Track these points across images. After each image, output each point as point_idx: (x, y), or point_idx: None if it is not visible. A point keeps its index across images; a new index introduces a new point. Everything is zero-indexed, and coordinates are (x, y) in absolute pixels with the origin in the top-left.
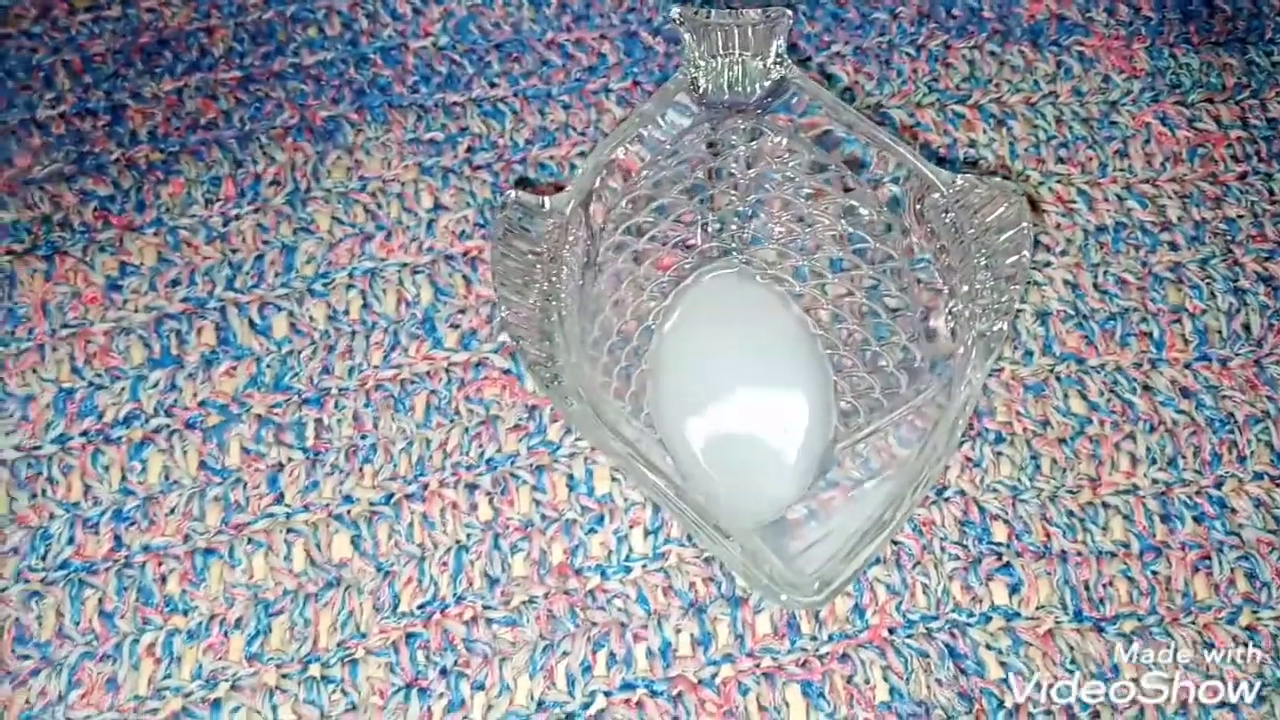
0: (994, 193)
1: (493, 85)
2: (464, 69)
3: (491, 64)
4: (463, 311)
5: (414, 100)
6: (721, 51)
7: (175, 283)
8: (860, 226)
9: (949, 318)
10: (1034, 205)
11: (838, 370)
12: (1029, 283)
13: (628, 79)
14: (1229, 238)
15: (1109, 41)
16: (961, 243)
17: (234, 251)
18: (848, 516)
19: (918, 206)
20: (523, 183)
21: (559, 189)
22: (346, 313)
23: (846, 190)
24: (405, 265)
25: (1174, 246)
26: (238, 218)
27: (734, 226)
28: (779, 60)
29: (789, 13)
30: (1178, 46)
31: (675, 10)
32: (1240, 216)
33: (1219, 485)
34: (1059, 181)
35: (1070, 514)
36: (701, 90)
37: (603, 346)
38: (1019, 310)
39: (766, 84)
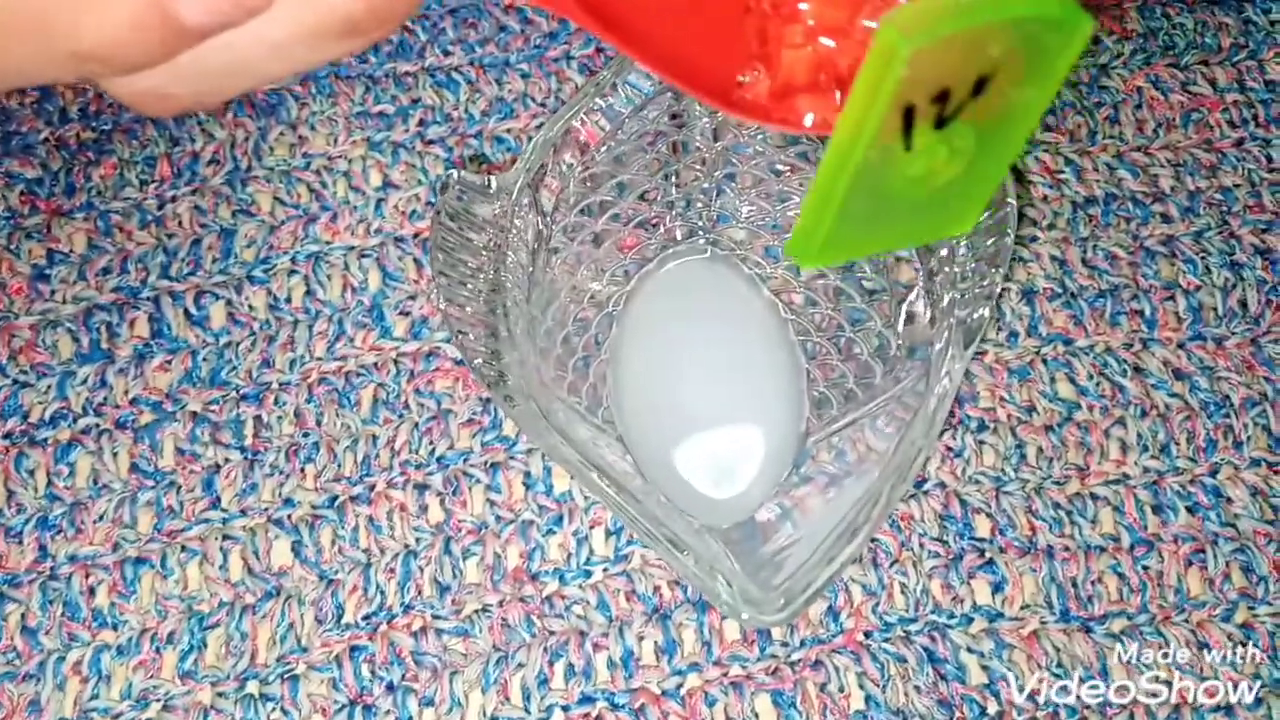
0: None
1: (446, 54)
2: (416, 36)
3: (446, 30)
4: (413, 298)
5: (362, 70)
6: None
7: (106, 271)
8: None
9: (927, 302)
10: (1019, 179)
11: (810, 358)
12: (1013, 260)
13: (590, 45)
14: (1225, 208)
15: (1100, 1)
16: None
17: (169, 236)
18: (823, 516)
19: None
20: (477, 159)
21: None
22: (288, 300)
23: (816, 165)
24: (352, 249)
25: (1167, 218)
26: (174, 200)
27: (700, 204)
28: None
29: None
30: (1171, 6)
31: None
32: (1237, 185)
33: (1214, 473)
34: (1046, 150)
35: (1057, 506)
36: None
37: (556, 337)
38: (1003, 290)
39: None
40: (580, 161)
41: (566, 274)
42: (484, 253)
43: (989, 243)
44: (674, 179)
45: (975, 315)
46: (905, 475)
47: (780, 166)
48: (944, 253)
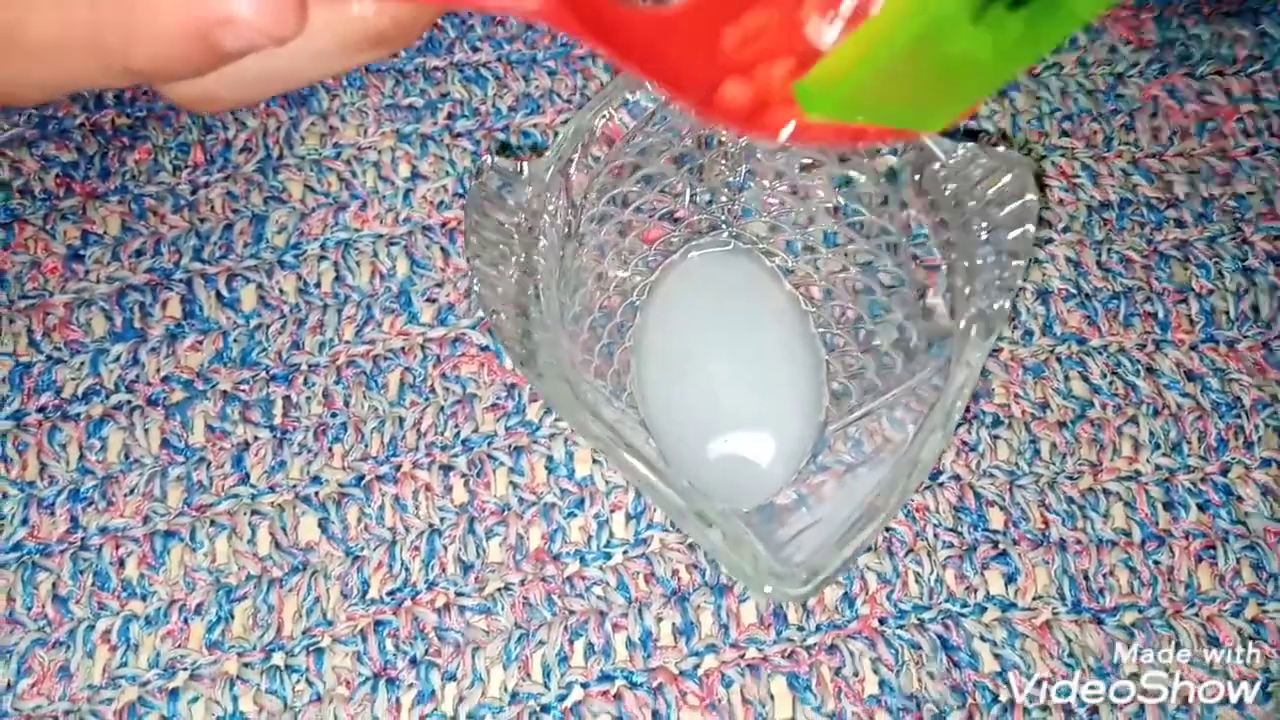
0: (997, 163)
1: (475, 50)
2: (445, 33)
3: (474, 27)
4: (440, 285)
5: (392, 64)
6: None
7: (140, 253)
8: (856, 198)
9: (947, 295)
10: (1038, 180)
11: (830, 349)
12: (1030, 260)
13: None
14: (1238, 215)
15: (1116, 11)
16: (963, 216)
17: (202, 221)
18: (838, 502)
19: (917, 178)
20: (504, 149)
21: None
22: (318, 285)
23: (842, 160)
24: (380, 236)
25: (1180, 224)
26: (206, 185)
27: (724, 198)
28: None
29: None
30: (1188, 17)
31: None
32: (1250, 193)
33: (1224, 472)
34: (1063, 155)
35: (1070, 501)
36: None
37: (584, 322)
38: (1019, 289)
39: None
40: (608, 154)
41: (593, 262)
42: (515, 236)
43: (1010, 236)
44: (699, 173)
45: (995, 307)
46: (922, 466)
47: (802, 161)
48: (965, 244)
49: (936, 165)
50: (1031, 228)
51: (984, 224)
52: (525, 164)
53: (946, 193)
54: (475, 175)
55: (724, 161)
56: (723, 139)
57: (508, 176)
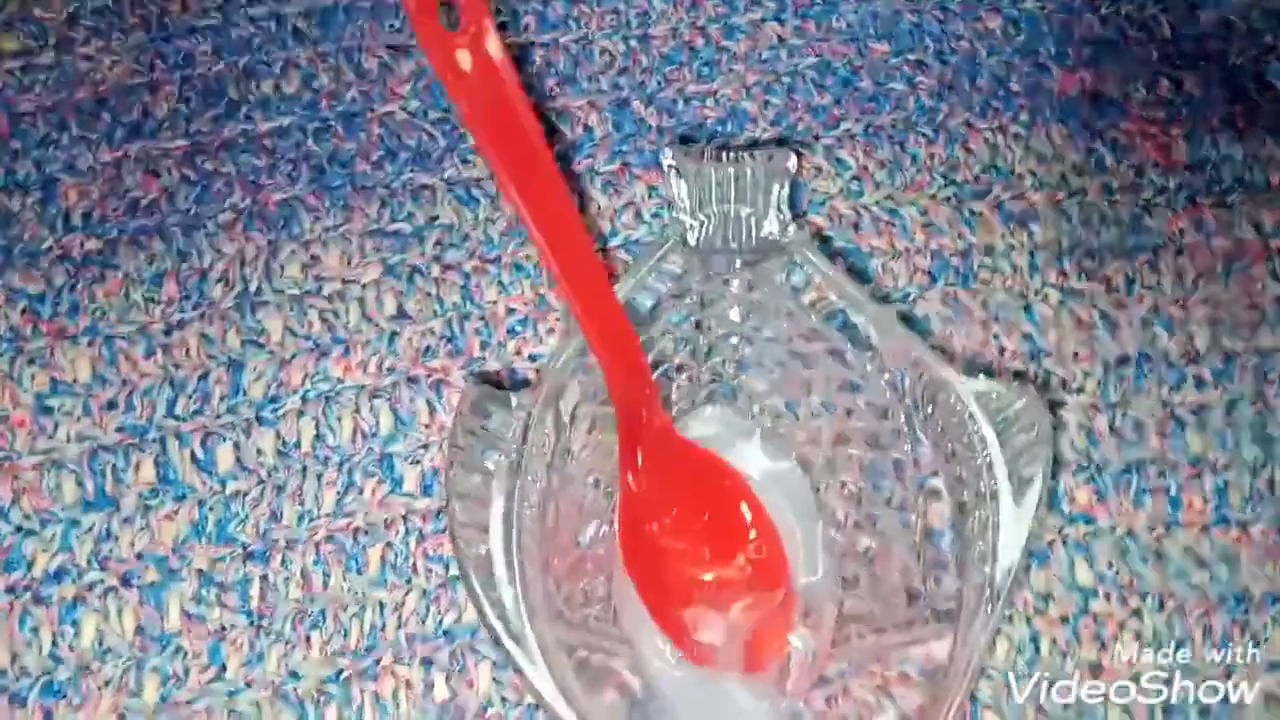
0: (1014, 399)
1: (466, 162)
2: (435, 142)
3: (466, 135)
4: (425, 447)
5: (378, 180)
6: (716, 201)
7: (112, 405)
8: (860, 405)
9: (955, 544)
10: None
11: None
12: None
13: (615, 160)
14: (1260, 374)
15: (1145, 127)
16: (974, 459)
17: (176, 367)
18: None
19: (930, 409)
20: (484, 379)
21: (524, 384)
22: (298, 445)
23: (847, 365)
24: (363, 387)
25: (1200, 383)
26: (181, 325)
27: (724, 378)
28: (780, 213)
29: (793, 157)
30: (1221, 133)
31: (667, 152)
32: (1275, 350)
33: (1227, 676)
34: (1080, 301)
35: (1065, 708)
36: (693, 242)
37: (571, 549)
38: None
39: (766, 236)
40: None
41: (585, 470)
42: (500, 476)
43: (1025, 495)
44: (702, 356)
45: (1007, 573)
46: None
47: (802, 359)
48: (975, 486)
49: (950, 397)
50: (1041, 480)
51: (993, 468)
52: (513, 395)
53: (956, 423)
54: (457, 409)
55: (728, 343)
56: (725, 327)
57: (495, 402)
